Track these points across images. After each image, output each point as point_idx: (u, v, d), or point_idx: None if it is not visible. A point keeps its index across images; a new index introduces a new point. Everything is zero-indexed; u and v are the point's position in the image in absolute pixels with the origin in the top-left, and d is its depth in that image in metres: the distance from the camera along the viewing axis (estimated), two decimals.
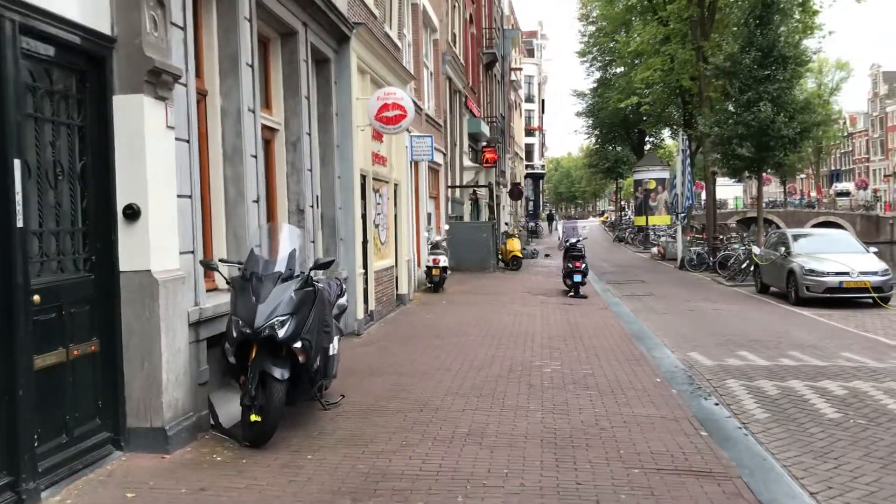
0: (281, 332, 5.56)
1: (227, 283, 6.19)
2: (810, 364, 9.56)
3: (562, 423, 6.37)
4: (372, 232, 12.34)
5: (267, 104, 8.85)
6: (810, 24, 25.24)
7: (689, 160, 30.23)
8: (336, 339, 6.60)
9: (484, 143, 34.79)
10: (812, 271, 16.17)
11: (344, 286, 7.40)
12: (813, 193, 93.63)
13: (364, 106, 11.27)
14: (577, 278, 17.03)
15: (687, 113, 33.69)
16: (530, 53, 78.78)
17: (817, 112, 21.85)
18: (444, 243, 18.82)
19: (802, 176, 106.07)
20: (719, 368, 9.36)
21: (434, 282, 17.49)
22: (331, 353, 6.41)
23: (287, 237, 6.23)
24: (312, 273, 6.14)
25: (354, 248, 10.93)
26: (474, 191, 31.17)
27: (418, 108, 18.77)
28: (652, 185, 47.66)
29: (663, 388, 7.81)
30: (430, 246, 18.15)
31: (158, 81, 5.49)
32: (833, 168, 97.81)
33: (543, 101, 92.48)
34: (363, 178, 11.94)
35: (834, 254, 16.70)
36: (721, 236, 27.02)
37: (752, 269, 21.67)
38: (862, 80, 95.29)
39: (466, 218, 29.58)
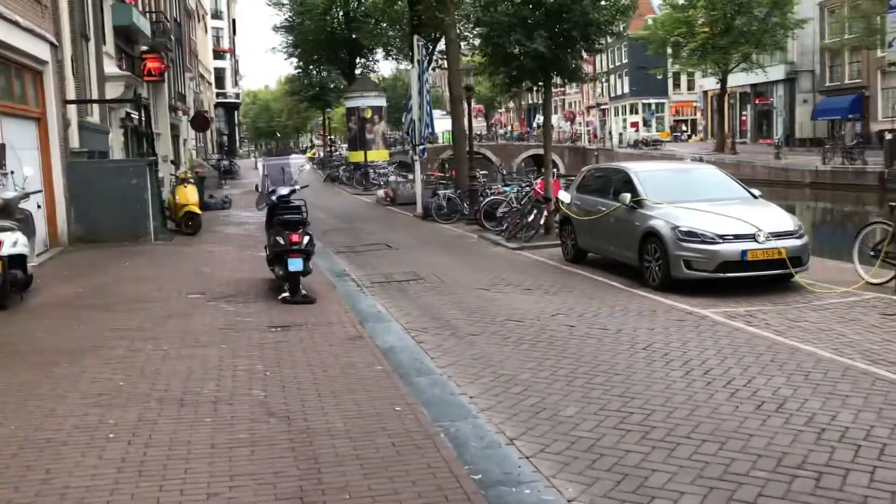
0: None
1: None
2: None
3: None
4: None
5: None
6: None
7: (425, 75, 23.10)
8: None
9: (145, 48, 24.56)
10: (692, 235, 9.48)
11: None
12: (516, 126, 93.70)
13: None
14: (297, 266, 8.74)
15: (416, 16, 26.27)
16: None
17: None
18: (22, 204, 9.33)
19: (502, 110, 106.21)
20: None
21: None
22: None
23: None
24: None
25: None
26: (129, 114, 21.05)
27: None
28: (368, 115, 40.47)
29: None
30: None
31: None
32: (531, 102, 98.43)
33: (234, 20, 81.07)
34: None
35: (710, 202, 10.22)
36: (477, 174, 20.18)
37: (540, 222, 15.04)
38: None
39: (117, 155, 19.59)
